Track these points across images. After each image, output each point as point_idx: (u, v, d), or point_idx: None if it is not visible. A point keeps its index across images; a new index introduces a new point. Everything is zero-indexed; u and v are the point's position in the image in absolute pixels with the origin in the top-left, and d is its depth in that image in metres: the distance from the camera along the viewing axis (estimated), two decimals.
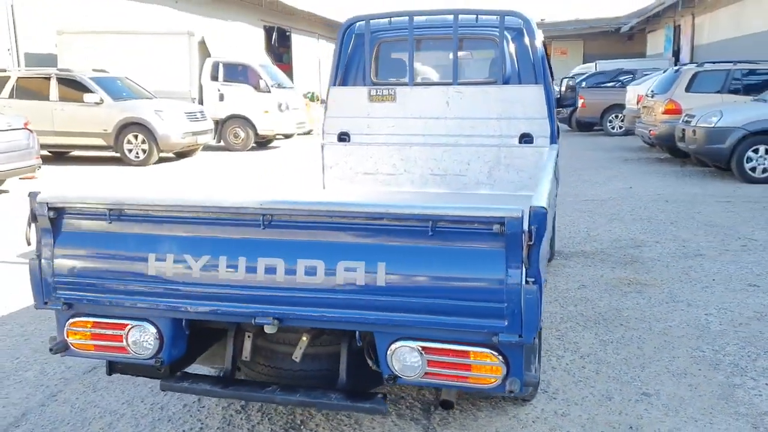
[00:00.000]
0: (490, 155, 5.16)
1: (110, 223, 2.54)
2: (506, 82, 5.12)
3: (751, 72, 13.28)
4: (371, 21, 5.31)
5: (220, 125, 16.51)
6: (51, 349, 2.71)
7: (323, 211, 2.37)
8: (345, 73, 5.46)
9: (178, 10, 24.40)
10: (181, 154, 15.04)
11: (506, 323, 2.21)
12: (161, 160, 14.29)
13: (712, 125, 10.55)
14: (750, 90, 12.76)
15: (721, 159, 10.71)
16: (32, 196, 2.58)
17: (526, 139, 5.08)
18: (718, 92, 12.83)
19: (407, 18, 5.19)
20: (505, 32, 5.06)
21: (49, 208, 2.57)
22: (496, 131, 5.12)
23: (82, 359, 4.10)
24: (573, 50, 48.69)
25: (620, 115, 18.43)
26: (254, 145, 17.05)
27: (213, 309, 2.49)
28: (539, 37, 5.09)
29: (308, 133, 19.06)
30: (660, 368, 3.86)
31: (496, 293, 2.20)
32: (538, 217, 2.14)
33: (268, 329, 2.51)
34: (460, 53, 5.25)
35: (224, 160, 15.00)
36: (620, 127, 19.20)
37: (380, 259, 2.30)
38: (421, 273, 2.29)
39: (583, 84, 29.50)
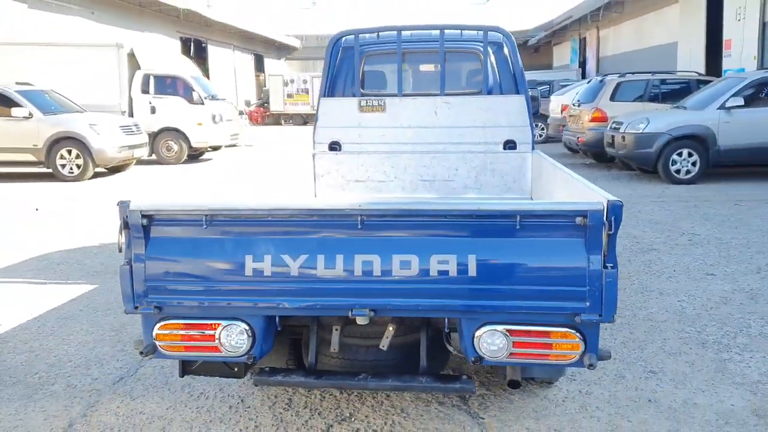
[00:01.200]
0: (476, 161, 5.50)
1: (206, 228, 2.67)
2: (489, 92, 5.48)
3: (666, 81, 14.36)
4: (352, 36, 5.56)
5: (152, 138, 16.20)
6: (141, 352, 2.79)
7: (417, 210, 2.60)
8: (333, 84, 5.67)
9: (95, 22, 23.73)
10: (115, 169, 14.67)
11: (588, 304, 2.51)
12: (95, 175, 13.92)
13: (640, 131, 11.38)
14: (666, 98, 13.81)
15: (648, 162, 11.54)
16: (124, 204, 2.67)
17: (509, 145, 5.45)
18: (639, 100, 13.81)
19: (395, 32, 5.48)
20: (488, 46, 5.42)
21: (143, 216, 2.67)
22: (482, 138, 5.46)
23: (108, 371, 4.14)
24: None
25: (540, 124, 19.33)
26: (186, 158, 16.84)
27: (311, 304, 2.66)
28: (517, 51, 5.48)
29: (235, 145, 18.95)
30: (656, 349, 4.28)
31: (579, 278, 2.50)
32: (616, 209, 2.46)
33: (360, 321, 2.71)
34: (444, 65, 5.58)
35: (161, 173, 14.77)
36: (541, 135, 20.10)
37: (471, 252, 2.55)
38: (508, 263, 2.56)
39: None
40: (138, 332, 3.25)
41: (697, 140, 11.10)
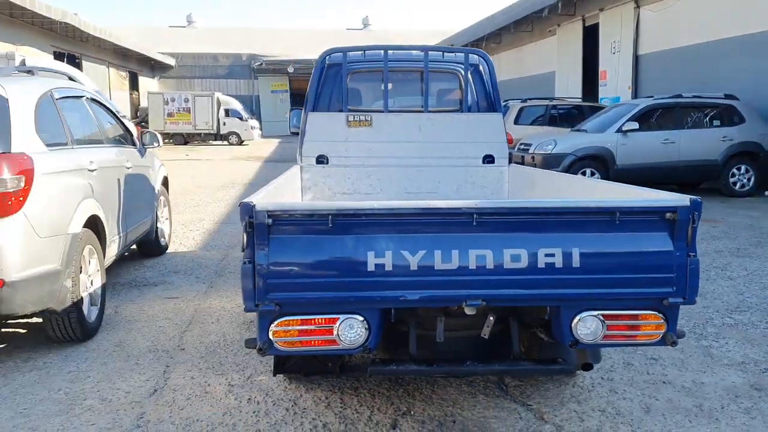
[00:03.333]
0: (458, 174, 5.84)
1: (331, 227, 2.80)
2: (469, 110, 5.86)
3: (560, 107, 15.55)
4: (337, 54, 5.77)
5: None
6: (260, 350, 2.85)
7: (527, 209, 2.88)
8: (317, 99, 5.83)
9: None
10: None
11: (674, 289, 2.89)
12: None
13: (549, 152, 12.29)
14: (562, 121, 14.96)
15: None
16: (247, 205, 2.75)
17: (488, 159, 5.85)
18: (538, 123, 14.85)
19: (380, 51, 5.76)
20: (468, 67, 5.82)
21: (268, 216, 2.75)
22: (463, 153, 5.82)
23: (138, 383, 4.05)
24: None
25: None
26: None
27: (429, 296, 2.84)
28: (494, 72, 5.91)
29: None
30: None
31: (667, 266, 2.87)
32: (698, 206, 2.85)
33: (468, 311, 2.92)
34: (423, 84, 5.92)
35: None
36: None
37: (574, 245, 2.85)
38: (606, 254, 2.88)
39: None
40: None
41: (599, 160, 12.14)
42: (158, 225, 7.41)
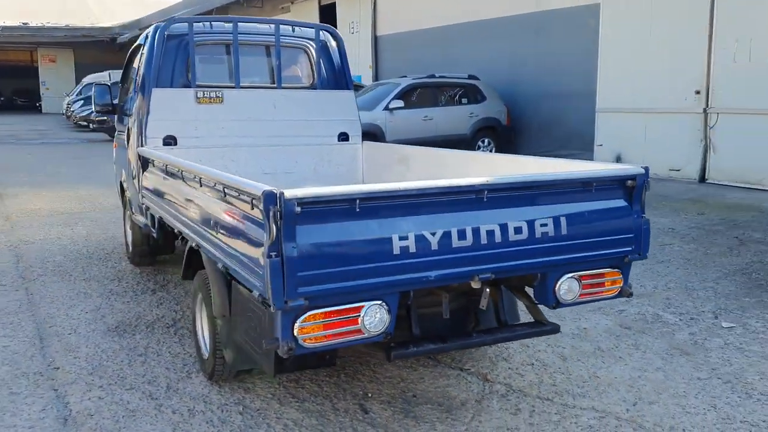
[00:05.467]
0: (314, 153, 5.75)
1: (358, 212, 2.63)
2: (320, 86, 5.78)
3: None
4: (182, 24, 5.29)
5: None
6: (289, 349, 2.59)
7: (531, 182, 3.03)
8: (158, 74, 5.27)
9: None
10: None
11: (633, 247, 3.28)
12: None
13: None
14: None
15: None
16: (272, 194, 2.47)
17: (343, 137, 5.86)
18: None
19: (225, 23, 5.41)
20: (319, 43, 5.72)
21: (297, 204, 2.50)
22: (318, 131, 5.75)
23: (30, 418, 3.41)
24: (63, 58, 46.53)
25: None
26: None
27: (449, 274, 2.83)
28: (345, 49, 5.90)
29: None
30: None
31: (628, 228, 3.23)
32: (647, 173, 3.26)
33: (475, 285, 2.98)
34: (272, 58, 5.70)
35: None
36: None
37: (562, 214, 3.07)
38: (585, 221, 3.15)
39: None
40: None
41: (372, 136, 12.67)
42: None
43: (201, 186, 3.41)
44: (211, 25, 5.43)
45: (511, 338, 3.46)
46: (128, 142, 5.63)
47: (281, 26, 5.53)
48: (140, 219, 5.54)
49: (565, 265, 3.16)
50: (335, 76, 5.86)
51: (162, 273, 5.98)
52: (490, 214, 2.93)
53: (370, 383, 3.76)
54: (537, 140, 14.12)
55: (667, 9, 11.41)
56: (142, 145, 5.20)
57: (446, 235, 2.82)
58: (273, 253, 2.51)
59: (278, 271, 2.51)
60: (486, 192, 2.91)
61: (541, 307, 3.39)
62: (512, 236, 2.97)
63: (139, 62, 5.61)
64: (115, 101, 6.57)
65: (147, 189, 4.93)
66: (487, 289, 3.13)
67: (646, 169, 3.27)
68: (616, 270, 3.32)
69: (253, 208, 2.68)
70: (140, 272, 6.04)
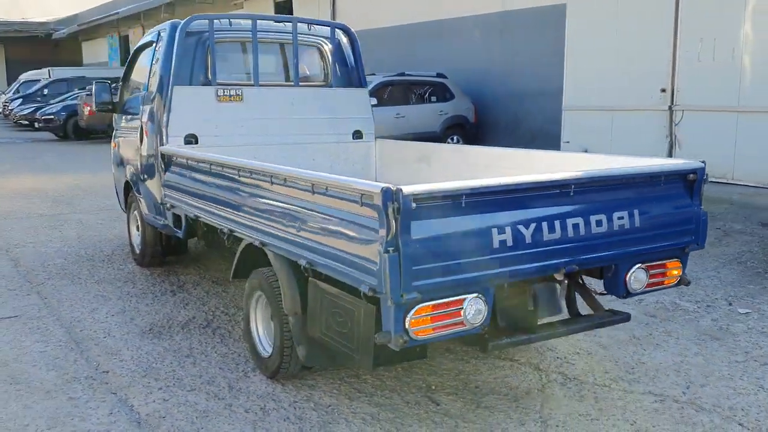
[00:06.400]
0: (331, 150, 5.76)
1: (464, 207, 2.70)
2: (336, 85, 5.80)
3: None
4: (201, 21, 5.23)
5: None
6: (404, 342, 2.64)
7: (609, 176, 3.17)
8: (177, 72, 5.18)
9: None
10: None
11: (693, 238, 3.44)
12: None
13: None
14: None
15: None
16: (390, 191, 2.51)
17: (357, 135, 5.89)
18: None
19: (245, 20, 5.37)
20: (334, 41, 5.74)
21: (414, 200, 2.55)
22: (335, 129, 5.77)
23: (100, 422, 3.35)
24: None
25: None
26: None
27: (541, 267, 2.94)
28: (359, 47, 5.92)
29: None
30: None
31: (690, 220, 3.40)
32: (705, 167, 3.43)
33: (558, 277, 3.08)
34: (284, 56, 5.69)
35: None
36: None
37: (635, 207, 3.21)
38: (655, 213, 3.29)
39: (46, 91, 28.19)
40: None
41: None
42: None
43: (283, 186, 3.38)
44: (230, 22, 5.37)
45: (591, 327, 3.58)
46: (141, 141, 5.51)
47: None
48: (156, 219, 5.44)
49: (636, 255, 3.30)
50: (349, 73, 5.88)
51: (173, 274, 5.88)
52: (575, 208, 3.05)
53: (430, 376, 3.82)
54: (504, 137, 14.39)
55: (633, 9, 11.82)
56: (162, 144, 5.11)
57: (538, 229, 2.92)
58: (391, 249, 2.56)
59: (396, 265, 2.56)
60: (573, 186, 3.01)
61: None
62: (594, 229, 3.09)
63: (152, 59, 5.50)
64: (115, 99, 6.41)
65: (175, 188, 4.86)
66: (565, 282, 3.24)
67: (704, 163, 3.44)
68: (677, 260, 3.48)
69: (361, 206, 2.71)
70: (150, 274, 5.92)
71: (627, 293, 3.37)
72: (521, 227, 2.88)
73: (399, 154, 6.10)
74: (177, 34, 5.14)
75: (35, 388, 3.70)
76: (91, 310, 4.98)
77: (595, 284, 3.56)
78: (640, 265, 3.33)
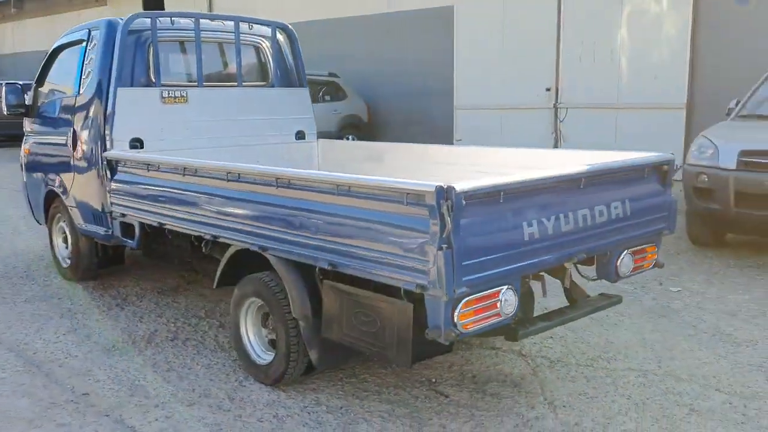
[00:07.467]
0: (274, 152, 5.66)
1: (501, 202, 2.80)
2: (278, 85, 5.72)
3: None
4: (141, 20, 4.99)
5: None
6: (455, 336, 2.70)
7: (611, 168, 3.41)
8: (119, 73, 4.90)
9: None
10: None
11: (666, 224, 3.75)
12: None
13: None
14: None
15: None
16: (442, 189, 2.57)
17: (299, 135, 5.85)
18: None
19: (185, 19, 5.20)
20: (275, 41, 5.65)
21: (464, 197, 2.62)
22: (278, 130, 5.69)
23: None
24: None
25: None
26: None
27: (559, 256, 3.10)
28: (299, 46, 5.86)
29: None
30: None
31: (664, 206, 3.71)
32: (674, 161, 3.75)
33: (567, 265, 3.26)
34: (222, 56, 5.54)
35: None
36: None
37: (625, 197, 3.46)
38: (639, 202, 3.55)
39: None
40: None
41: None
42: None
43: (300, 190, 3.31)
44: (171, 21, 5.14)
45: (594, 311, 3.79)
46: (74, 147, 5.14)
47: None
48: (95, 229, 5.10)
49: (626, 242, 3.56)
50: (290, 73, 5.82)
51: (110, 287, 5.54)
52: (585, 200, 3.24)
53: (425, 370, 3.90)
54: (398, 136, 14.65)
55: (518, 12, 12.49)
56: (105, 149, 4.81)
57: (557, 221, 3.09)
58: (444, 245, 2.61)
59: (450, 261, 2.61)
60: (583, 179, 3.21)
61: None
62: (598, 219, 3.30)
63: (83, 60, 5.14)
64: (28, 102, 5.93)
65: (127, 195, 4.59)
66: (570, 268, 3.43)
67: (674, 155, 3.77)
68: (653, 245, 3.79)
69: (406, 205, 2.74)
70: (84, 288, 5.54)
71: (617, 278, 3.62)
72: (545, 220, 3.03)
73: (341, 154, 6.11)
74: (118, 33, 4.85)
75: (14, 417, 3.39)
76: (35, 330, 4.59)
77: (587, 271, 3.80)
78: (627, 251, 3.60)
